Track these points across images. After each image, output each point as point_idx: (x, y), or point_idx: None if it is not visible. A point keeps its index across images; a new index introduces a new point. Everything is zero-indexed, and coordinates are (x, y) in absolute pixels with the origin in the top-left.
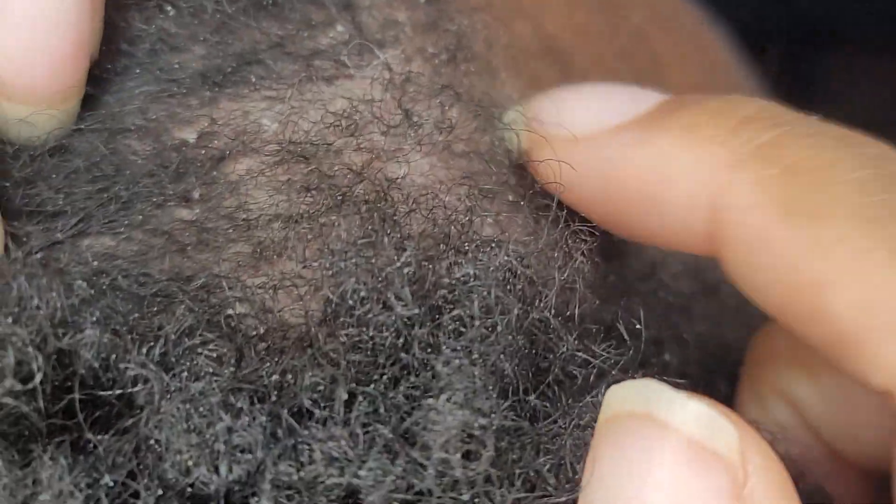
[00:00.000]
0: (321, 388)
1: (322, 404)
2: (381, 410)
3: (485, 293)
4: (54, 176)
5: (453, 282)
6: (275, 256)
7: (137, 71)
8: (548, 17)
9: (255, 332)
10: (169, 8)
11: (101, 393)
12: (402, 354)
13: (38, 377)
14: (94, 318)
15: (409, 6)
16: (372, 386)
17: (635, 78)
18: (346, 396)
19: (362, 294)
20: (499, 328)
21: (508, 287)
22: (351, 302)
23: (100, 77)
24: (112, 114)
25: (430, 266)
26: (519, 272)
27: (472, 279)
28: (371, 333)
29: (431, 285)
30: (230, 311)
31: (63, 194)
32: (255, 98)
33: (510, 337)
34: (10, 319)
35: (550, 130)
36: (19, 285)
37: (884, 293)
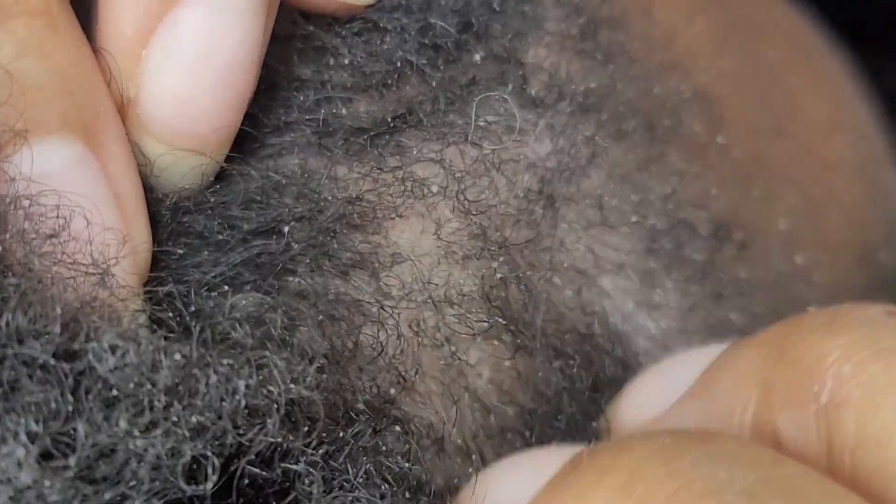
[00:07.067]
0: None
1: None
2: None
3: None
4: (213, 203)
5: None
6: None
7: (295, 117)
8: (700, 63)
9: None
10: (345, 56)
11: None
12: None
13: (210, 484)
14: (277, 408)
15: (579, 66)
16: None
17: (775, 123)
18: None
19: None
20: None
21: None
22: None
23: (253, 116)
24: (266, 165)
25: None
26: None
27: None
28: None
29: None
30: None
31: (225, 227)
32: (418, 158)
33: None
34: (194, 417)
35: None
36: (209, 383)
37: None
